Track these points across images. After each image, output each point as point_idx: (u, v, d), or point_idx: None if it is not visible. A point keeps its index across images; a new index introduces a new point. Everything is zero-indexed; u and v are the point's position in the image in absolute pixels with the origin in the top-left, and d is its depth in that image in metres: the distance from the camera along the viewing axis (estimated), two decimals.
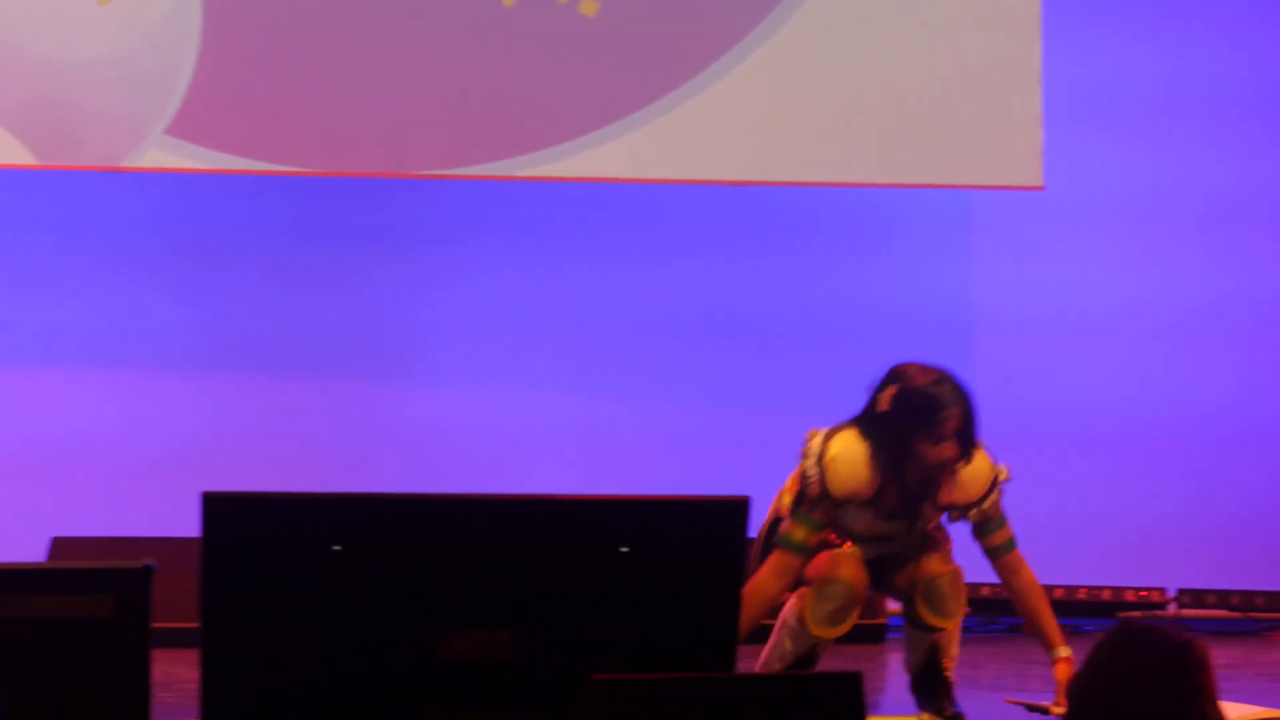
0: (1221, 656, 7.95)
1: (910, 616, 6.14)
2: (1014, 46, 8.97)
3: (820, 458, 5.86)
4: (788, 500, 6.00)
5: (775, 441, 8.95)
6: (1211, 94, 9.64)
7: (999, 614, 9.18)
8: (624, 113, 8.80)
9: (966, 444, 5.85)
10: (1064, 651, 6.04)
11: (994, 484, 6.08)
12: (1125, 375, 9.55)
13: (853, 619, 6.05)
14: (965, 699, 7.29)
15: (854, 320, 9.35)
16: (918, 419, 5.75)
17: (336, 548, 4.16)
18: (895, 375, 5.88)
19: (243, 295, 9.11)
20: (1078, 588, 9.18)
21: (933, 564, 6.07)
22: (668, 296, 9.26)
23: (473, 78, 8.78)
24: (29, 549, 8.11)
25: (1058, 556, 9.23)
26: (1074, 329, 9.54)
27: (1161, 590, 9.25)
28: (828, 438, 5.90)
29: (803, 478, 5.91)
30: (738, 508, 4.29)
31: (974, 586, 9.15)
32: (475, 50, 8.75)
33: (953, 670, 6.20)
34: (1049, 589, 9.10)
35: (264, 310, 9.10)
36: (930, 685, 6.19)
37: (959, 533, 6.29)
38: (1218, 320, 9.58)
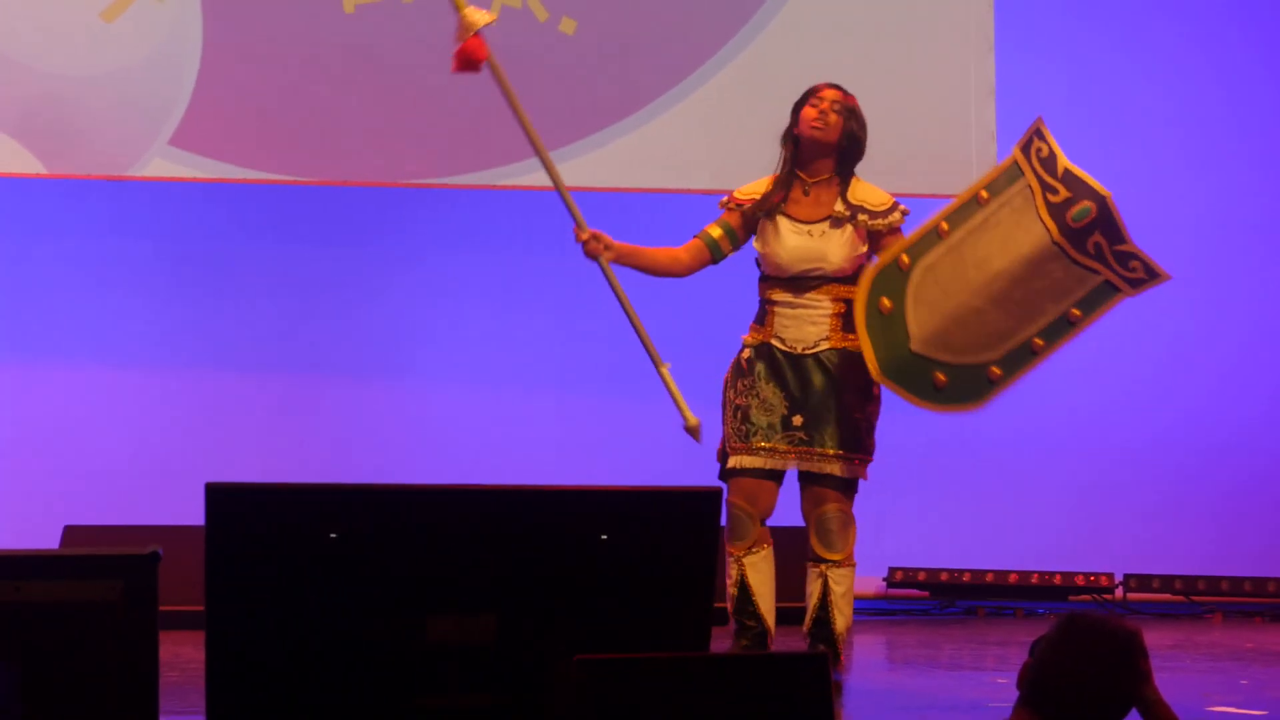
0: (1165, 638, 8.02)
1: (808, 552, 6.24)
2: (969, 64, 8.99)
3: None
4: None
5: None
6: (1160, 108, 9.69)
7: (956, 598, 9.21)
8: (604, 124, 8.81)
9: (853, 147, 6.21)
10: None
11: (894, 206, 6.24)
12: (1077, 379, 9.56)
13: (754, 534, 6.19)
14: (920, 678, 7.33)
15: None
16: (801, 98, 6.23)
17: (332, 535, 4.16)
18: None
19: (240, 300, 9.12)
20: (1032, 573, 9.21)
21: (829, 501, 6.16)
22: (643, 298, 9.26)
23: (460, 92, 8.76)
24: (42, 537, 8.11)
25: (1015, 544, 9.29)
26: None
27: (1110, 575, 9.28)
28: None
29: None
30: (710, 498, 4.31)
31: (933, 571, 9.24)
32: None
33: (844, 631, 6.22)
34: (1004, 574, 9.20)
35: (260, 314, 9.12)
36: (819, 640, 6.22)
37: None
38: (1156, 329, 9.61)
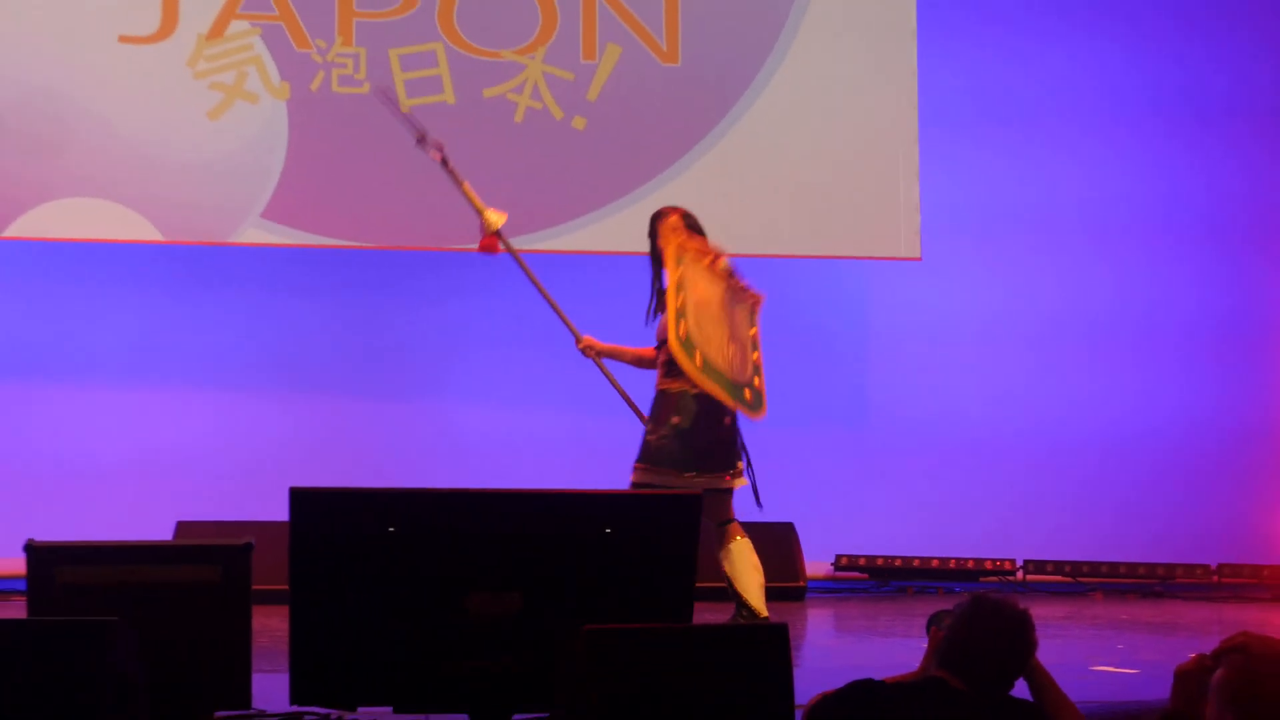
0: (1057, 611, 8.00)
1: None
2: (898, 153, 9.01)
3: None
4: None
5: None
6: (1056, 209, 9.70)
7: (890, 579, 9.20)
8: (606, 201, 8.83)
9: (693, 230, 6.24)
10: None
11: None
12: (985, 387, 9.58)
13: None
14: (862, 643, 7.31)
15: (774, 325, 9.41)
16: (651, 226, 6.34)
17: (391, 529, 4.16)
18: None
19: (315, 338, 9.10)
20: (949, 559, 9.20)
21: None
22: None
23: (493, 174, 8.78)
24: (159, 530, 8.09)
25: (934, 535, 9.28)
26: (952, 343, 9.57)
27: (1012, 560, 9.27)
28: None
29: None
30: (693, 500, 4.31)
31: (871, 558, 9.22)
32: (494, 153, 8.77)
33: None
34: (928, 560, 9.19)
35: (331, 350, 9.11)
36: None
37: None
38: (1054, 336, 9.62)
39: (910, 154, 8.99)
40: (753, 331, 6.25)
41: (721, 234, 8.94)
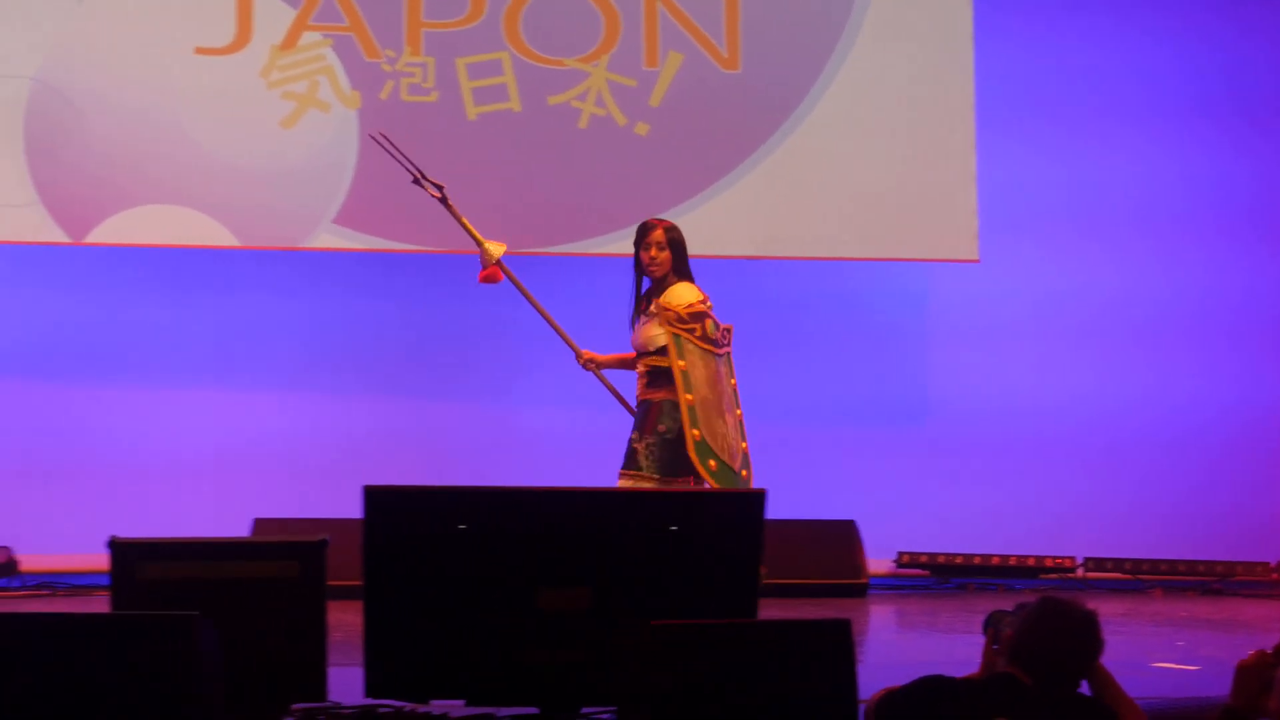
0: (1117, 608, 7.94)
1: None
2: (955, 155, 8.97)
3: None
4: None
5: (786, 445, 8.99)
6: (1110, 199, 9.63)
7: (951, 576, 9.15)
8: (669, 206, 8.82)
9: (679, 264, 6.30)
10: None
11: (686, 306, 6.26)
12: (1044, 384, 9.51)
13: None
14: (924, 639, 7.29)
15: (835, 326, 9.41)
16: (637, 236, 6.35)
17: (461, 526, 4.17)
18: None
19: (384, 340, 9.14)
20: (1010, 556, 9.14)
21: None
22: None
23: (557, 180, 8.82)
24: (237, 527, 8.15)
25: (994, 532, 9.23)
26: (1010, 340, 9.52)
27: (1072, 558, 9.21)
28: None
29: None
30: (757, 498, 4.30)
31: (933, 555, 9.18)
32: (559, 159, 8.79)
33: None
34: (989, 557, 9.14)
35: (400, 353, 9.14)
36: None
37: None
38: (1109, 331, 9.55)
39: (967, 157, 8.95)
40: (732, 383, 6.37)
41: (780, 237, 8.99)
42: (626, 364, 6.56)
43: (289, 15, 8.63)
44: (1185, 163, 9.63)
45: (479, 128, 8.75)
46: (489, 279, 6.68)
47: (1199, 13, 9.64)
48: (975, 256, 8.97)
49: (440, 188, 6.76)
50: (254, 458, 8.93)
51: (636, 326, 6.38)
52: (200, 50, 8.57)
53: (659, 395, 6.25)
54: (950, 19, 9.02)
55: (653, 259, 6.27)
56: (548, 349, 9.18)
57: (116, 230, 8.43)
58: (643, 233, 6.34)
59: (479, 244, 6.69)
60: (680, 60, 8.85)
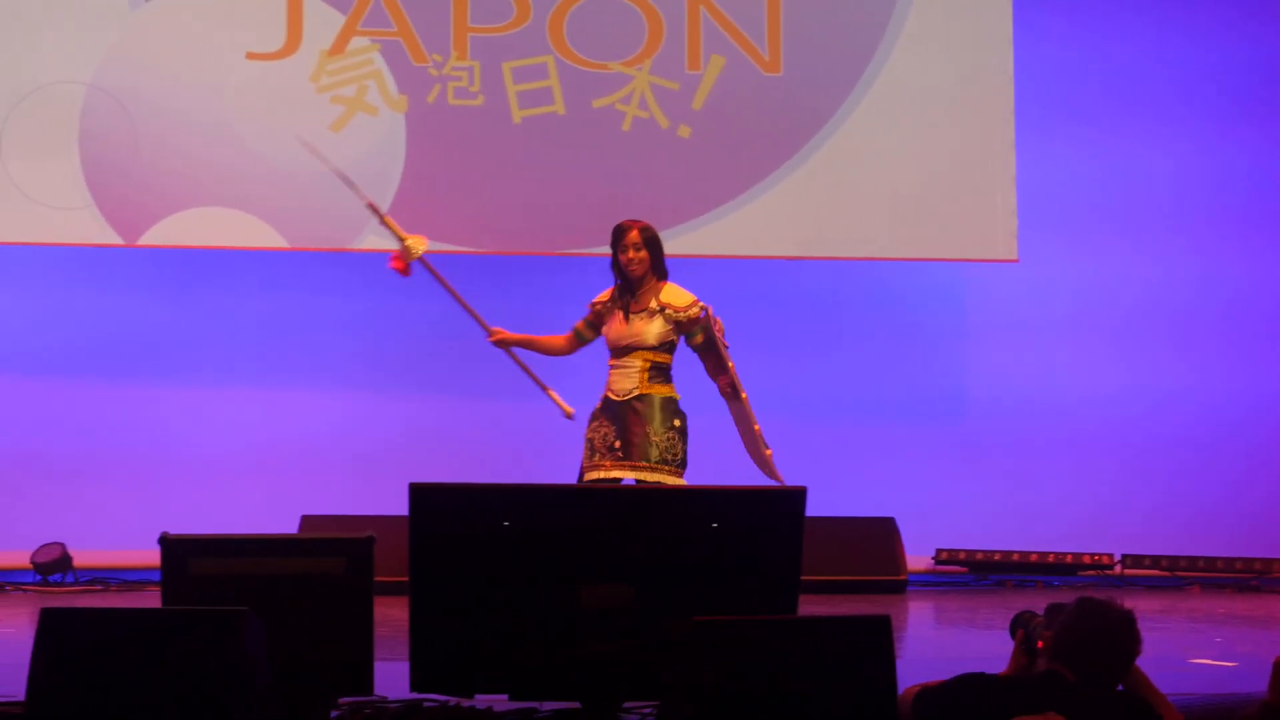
0: (1154, 605, 7.87)
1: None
2: (994, 156, 8.92)
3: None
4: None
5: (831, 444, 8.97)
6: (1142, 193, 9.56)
7: (989, 573, 9.10)
8: (711, 207, 8.81)
9: (656, 262, 6.37)
10: (767, 450, 6.50)
11: (694, 305, 6.35)
12: (1081, 381, 9.45)
13: None
14: (962, 636, 7.24)
15: (874, 324, 9.37)
16: (613, 241, 6.38)
17: (505, 523, 4.17)
18: None
19: (426, 340, 9.14)
20: (1048, 553, 9.09)
21: None
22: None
23: (601, 182, 8.81)
24: (285, 524, 8.17)
25: (1032, 529, 9.17)
26: (1048, 338, 9.47)
27: (1110, 555, 9.14)
28: None
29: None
30: (798, 495, 4.28)
31: (971, 552, 9.13)
32: (603, 162, 8.78)
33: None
34: (1027, 554, 9.09)
35: (449, 346, 9.13)
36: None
37: None
38: (1145, 328, 9.47)
39: (1007, 158, 8.90)
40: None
41: (821, 238, 8.96)
42: (536, 346, 6.73)
43: (338, 21, 8.65)
44: (1221, 159, 9.54)
45: (524, 131, 8.75)
46: (397, 270, 6.90)
47: (1233, 9, 9.55)
48: (1014, 256, 8.91)
49: (371, 204, 6.97)
50: (302, 455, 8.96)
51: (621, 322, 6.38)
52: (251, 55, 8.60)
53: (662, 390, 6.34)
54: (990, 20, 8.97)
55: (630, 260, 6.34)
56: (592, 349, 9.20)
57: (168, 232, 8.47)
58: (620, 234, 6.40)
59: (400, 239, 6.84)
60: (722, 63, 8.83)
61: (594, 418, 6.39)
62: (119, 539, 8.54)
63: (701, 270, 9.14)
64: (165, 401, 8.96)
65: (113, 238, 8.46)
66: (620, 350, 6.38)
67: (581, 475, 6.39)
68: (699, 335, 6.35)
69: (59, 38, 8.49)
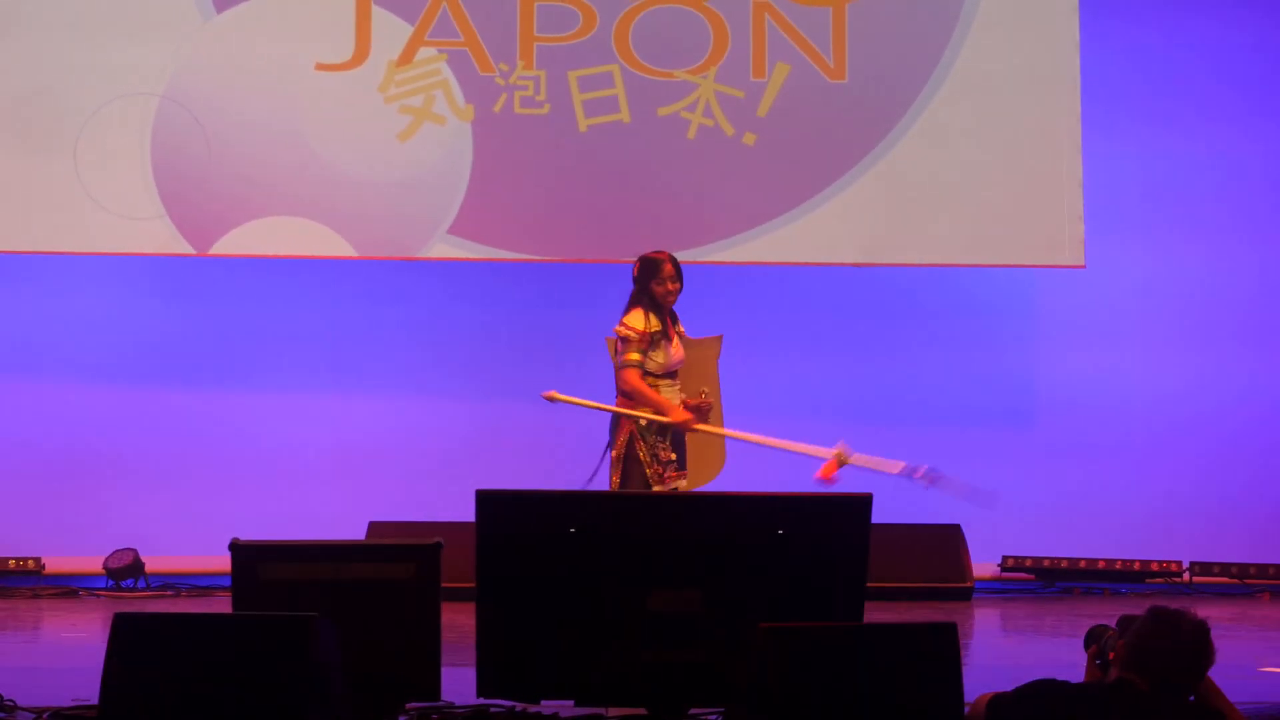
0: (1224, 612, 7.78)
1: None
2: (1061, 161, 8.85)
3: (620, 326, 6.59)
4: (613, 353, 6.71)
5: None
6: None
7: (1056, 580, 9.02)
8: (775, 214, 8.78)
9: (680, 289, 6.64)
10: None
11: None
12: (1148, 387, 9.33)
13: None
14: (1029, 643, 7.18)
15: (941, 329, 9.31)
16: (652, 271, 6.58)
17: (572, 530, 4.16)
18: (639, 260, 6.68)
19: (498, 343, 9.16)
20: (1116, 560, 8.99)
21: None
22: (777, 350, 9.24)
23: (667, 189, 8.80)
24: (353, 530, 8.21)
25: (1100, 536, 9.08)
26: (1115, 342, 9.38)
27: (1178, 562, 9.04)
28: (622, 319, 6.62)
29: (619, 339, 6.59)
30: (864, 502, 4.25)
31: (1038, 559, 9.05)
32: (668, 169, 8.77)
33: None
34: (1094, 561, 8.98)
35: (515, 354, 9.14)
36: None
37: None
38: (1213, 334, 9.36)
39: (1074, 163, 8.82)
40: None
41: (886, 245, 8.91)
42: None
43: (406, 32, 8.69)
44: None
45: (590, 139, 8.75)
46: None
47: None
48: (1081, 262, 8.83)
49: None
50: (369, 461, 8.99)
51: (678, 345, 6.65)
52: (321, 66, 8.65)
53: None
54: (1056, 25, 8.89)
55: (673, 290, 6.60)
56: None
57: (239, 242, 8.53)
58: (660, 266, 6.58)
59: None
60: (787, 71, 8.81)
61: (643, 435, 6.55)
62: (190, 545, 8.60)
63: (767, 277, 9.13)
64: (235, 408, 9.01)
65: (185, 247, 8.53)
66: (674, 372, 6.64)
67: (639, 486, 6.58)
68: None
69: (132, 50, 8.57)
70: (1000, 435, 9.27)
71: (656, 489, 6.45)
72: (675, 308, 6.67)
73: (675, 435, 6.55)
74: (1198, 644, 3.63)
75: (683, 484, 6.60)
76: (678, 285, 6.58)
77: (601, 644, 4.13)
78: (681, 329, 6.69)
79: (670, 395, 6.56)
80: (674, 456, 6.53)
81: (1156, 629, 3.63)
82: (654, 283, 6.55)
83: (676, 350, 6.62)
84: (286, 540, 4.46)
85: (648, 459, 6.50)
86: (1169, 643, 3.61)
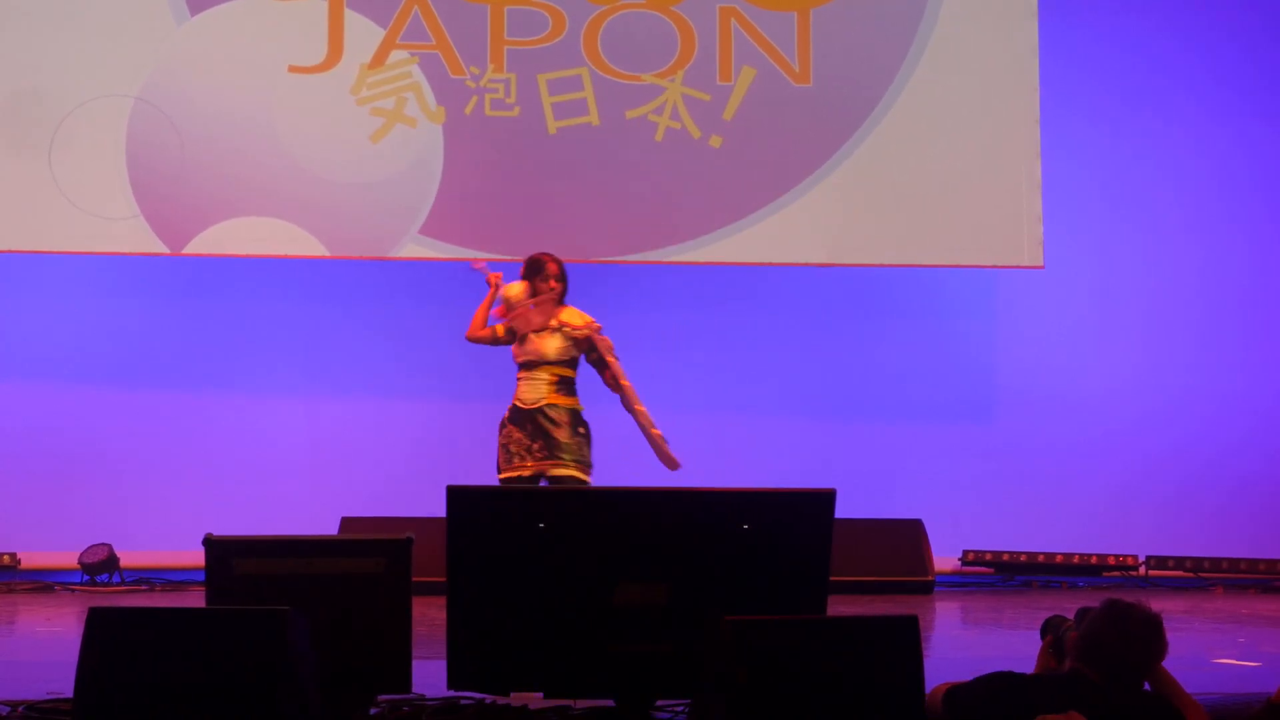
0: (1178, 605, 7.83)
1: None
2: (1020, 164, 8.89)
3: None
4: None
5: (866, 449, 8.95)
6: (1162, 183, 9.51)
7: (1015, 573, 9.07)
8: (741, 215, 8.81)
9: (563, 289, 6.96)
10: (655, 431, 7.01)
11: (588, 326, 6.93)
12: (1105, 384, 9.38)
13: None
14: (988, 635, 7.21)
15: (902, 327, 9.31)
16: (535, 269, 6.97)
17: (541, 525, 4.17)
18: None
19: (460, 347, 9.16)
20: (1074, 554, 9.05)
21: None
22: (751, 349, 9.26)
23: (635, 190, 8.82)
24: (325, 525, 8.20)
25: (1061, 532, 9.13)
26: (1073, 341, 9.43)
27: (1134, 556, 9.10)
28: None
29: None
30: (827, 497, 4.27)
31: (997, 553, 9.10)
32: (636, 171, 8.79)
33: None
34: (1053, 555, 9.05)
35: (485, 354, 9.13)
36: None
37: None
38: (1167, 332, 9.42)
39: (1033, 166, 8.88)
40: None
41: (852, 245, 8.94)
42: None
43: (378, 35, 8.68)
44: (1244, 159, 9.49)
45: (559, 141, 8.76)
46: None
47: (1254, 14, 9.50)
48: (1039, 263, 8.89)
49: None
50: (342, 458, 8.99)
51: (539, 339, 6.90)
52: (293, 69, 8.64)
53: (571, 401, 6.93)
54: (1015, 31, 8.95)
55: (551, 287, 6.90)
56: (639, 354, 9.21)
57: (213, 241, 8.52)
58: (543, 266, 6.93)
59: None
60: (753, 75, 8.83)
61: (502, 423, 6.92)
62: (164, 540, 8.58)
63: (732, 277, 9.15)
64: (210, 405, 8.99)
65: (158, 246, 8.50)
66: (534, 363, 6.91)
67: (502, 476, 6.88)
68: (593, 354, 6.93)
69: (106, 52, 8.55)
70: (961, 431, 9.32)
71: (504, 474, 6.79)
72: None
73: (535, 422, 6.82)
74: (1147, 636, 3.66)
75: (564, 470, 6.80)
76: (561, 285, 6.93)
77: (570, 637, 4.14)
78: (557, 324, 6.87)
79: (524, 387, 6.90)
80: (531, 444, 6.81)
81: (1108, 621, 3.66)
82: (548, 280, 6.91)
83: (542, 343, 6.88)
84: (260, 535, 4.45)
85: (501, 443, 6.88)
86: (1118, 635, 3.64)
